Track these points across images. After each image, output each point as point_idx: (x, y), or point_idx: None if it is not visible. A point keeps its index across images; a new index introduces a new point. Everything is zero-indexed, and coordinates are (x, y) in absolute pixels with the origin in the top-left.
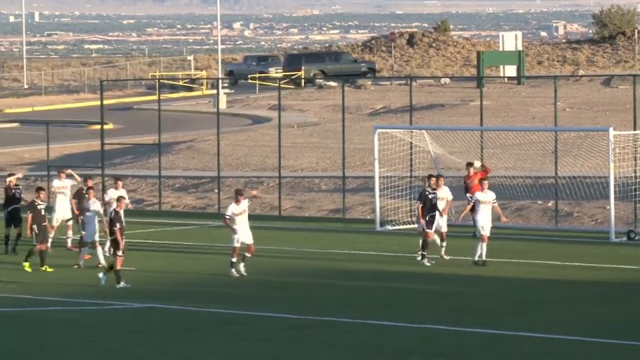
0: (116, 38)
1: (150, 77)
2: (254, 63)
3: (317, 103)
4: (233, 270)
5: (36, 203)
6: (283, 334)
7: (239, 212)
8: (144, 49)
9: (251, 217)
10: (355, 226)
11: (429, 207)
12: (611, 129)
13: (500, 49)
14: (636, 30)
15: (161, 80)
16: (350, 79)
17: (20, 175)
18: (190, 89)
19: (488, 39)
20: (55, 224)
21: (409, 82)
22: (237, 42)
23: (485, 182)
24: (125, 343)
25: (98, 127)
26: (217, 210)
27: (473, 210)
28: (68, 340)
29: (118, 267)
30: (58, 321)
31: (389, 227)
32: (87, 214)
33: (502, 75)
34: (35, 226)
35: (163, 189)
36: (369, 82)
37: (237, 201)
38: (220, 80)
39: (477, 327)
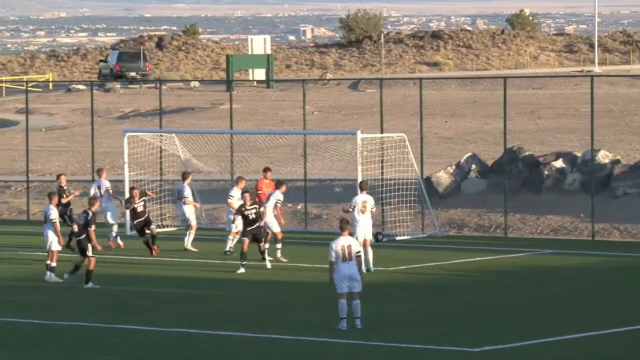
0: None
1: None
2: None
3: (66, 106)
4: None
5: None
6: (30, 340)
7: None
8: None
9: None
10: (106, 230)
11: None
12: (359, 131)
13: (249, 53)
14: (382, 35)
15: None
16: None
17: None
18: None
19: (237, 42)
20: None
21: (158, 85)
22: None
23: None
24: None
25: None
26: None
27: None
28: None
29: (91, 267)
30: None
31: None
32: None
33: (251, 78)
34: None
35: None
36: (118, 86)
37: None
38: None
39: (214, 330)
